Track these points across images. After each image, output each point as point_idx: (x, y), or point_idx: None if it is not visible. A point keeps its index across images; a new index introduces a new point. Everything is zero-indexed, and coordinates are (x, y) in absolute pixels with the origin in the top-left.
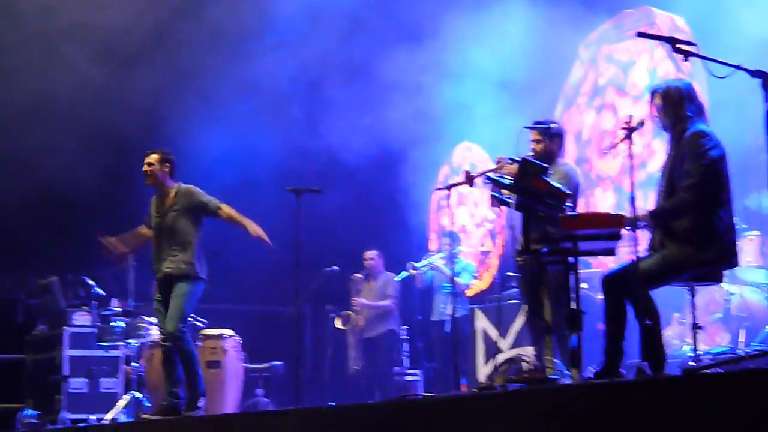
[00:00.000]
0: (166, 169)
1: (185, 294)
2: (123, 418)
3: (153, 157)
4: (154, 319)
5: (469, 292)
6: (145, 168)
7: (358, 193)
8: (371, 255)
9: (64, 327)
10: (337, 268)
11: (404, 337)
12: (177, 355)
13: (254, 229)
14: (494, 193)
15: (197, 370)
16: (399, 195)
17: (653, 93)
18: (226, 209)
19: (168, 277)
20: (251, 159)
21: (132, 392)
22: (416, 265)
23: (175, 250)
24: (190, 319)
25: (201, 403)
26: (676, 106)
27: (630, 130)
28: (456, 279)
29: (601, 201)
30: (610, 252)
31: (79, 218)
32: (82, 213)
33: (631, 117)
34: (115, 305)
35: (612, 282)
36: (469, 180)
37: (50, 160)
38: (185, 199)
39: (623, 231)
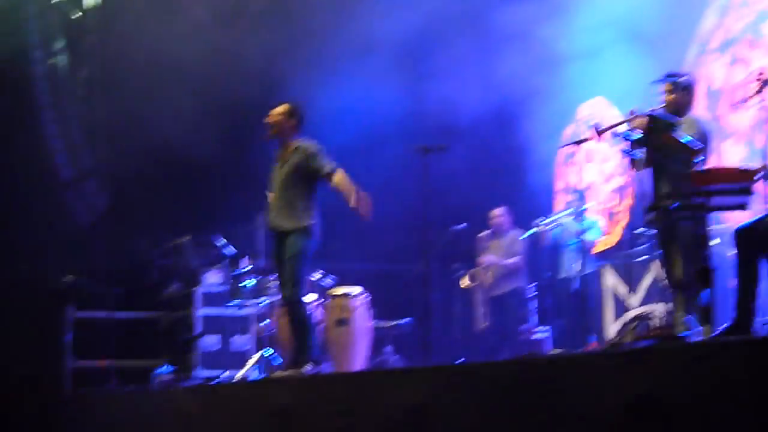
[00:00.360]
0: (293, 123)
1: (296, 254)
2: (254, 375)
3: (279, 109)
4: None
5: (597, 249)
6: (269, 119)
7: (481, 150)
8: (498, 212)
9: (197, 286)
10: (464, 225)
11: (533, 294)
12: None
13: (354, 200)
14: (624, 150)
15: (307, 339)
16: (522, 152)
17: None
18: (338, 177)
19: (278, 232)
20: (373, 116)
21: (263, 350)
22: (544, 221)
23: (285, 204)
24: (314, 277)
25: (309, 368)
26: None
27: (764, 83)
28: (583, 236)
29: (731, 154)
30: (742, 207)
31: (205, 180)
32: (207, 174)
33: (764, 69)
34: (246, 264)
35: (744, 235)
36: (598, 134)
37: (172, 122)
38: (302, 155)
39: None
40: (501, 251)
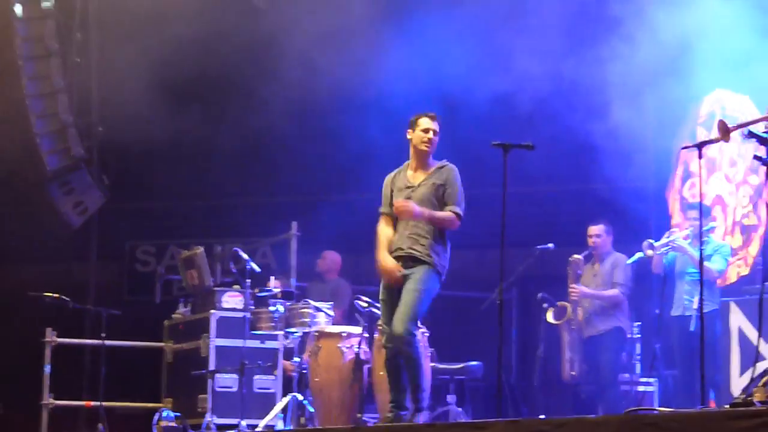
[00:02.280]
0: (437, 139)
1: (421, 289)
2: (281, 426)
3: (436, 124)
4: (322, 304)
5: (723, 281)
6: (430, 136)
7: (572, 151)
8: (597, 230)
9: (212, 310)
10: (552, 245)
11: (636, 336)
12: (402, 359)
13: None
14: (759, 156)
15: (421, 382)
16: (627, 153)
17: None
18: (453, 216)
19: (407, 260)
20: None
21: (292, 393)
22: (655, 244)
23: (419, 229)
24: (376, 309)
25: (422, 418)
26: None
27: None
28: (705, 263)
29: None
30: None
31: (227, 179)
32: (228, 172)
33: None
34: (274, 285)
35: None
36: (725, 133)
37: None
38: (447, 178)
39: None
40: (598, 279)
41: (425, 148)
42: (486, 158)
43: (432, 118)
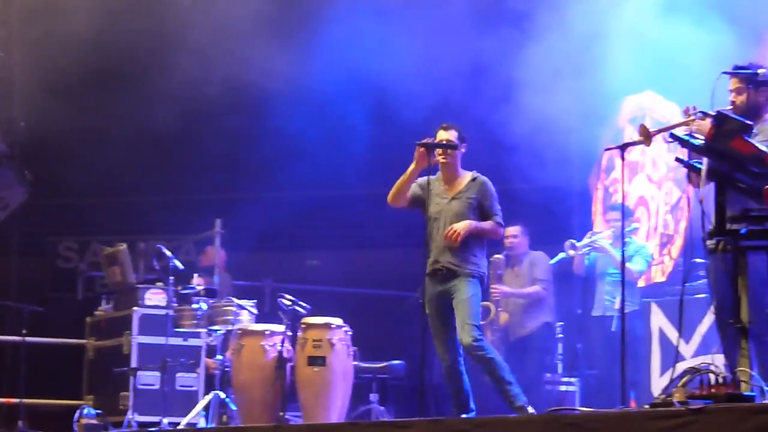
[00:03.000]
0: (463, 150)
1: (467, 297)
2: (203, 424)
3: (453, 134)
4: (245, 302)
5: (643, 282)
6: (443, 149)
7: (496, 150)
8: (513, 231)
9: (134, 308)
10: None
11: (558, 335)
12: (464, 369)
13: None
14: (680, 159)
15: (505, 375)
16: (548, 154)
17: None
18: (494, 225)
19: (446, 273)
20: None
21: (215, 391)
22: (576, 244)
23: (459, 245)
24: (301, 308)
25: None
26: None
27: None
28: (627, 264)
29: None
30: None
31: (151, 174)
32: (153, 169)
33: None
34: (197, 282)
35: None
36: (647, 137)
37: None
38: (482, 191)
39: None
40: (520, 280)
41: (442, 160)
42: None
43: (445, 129)
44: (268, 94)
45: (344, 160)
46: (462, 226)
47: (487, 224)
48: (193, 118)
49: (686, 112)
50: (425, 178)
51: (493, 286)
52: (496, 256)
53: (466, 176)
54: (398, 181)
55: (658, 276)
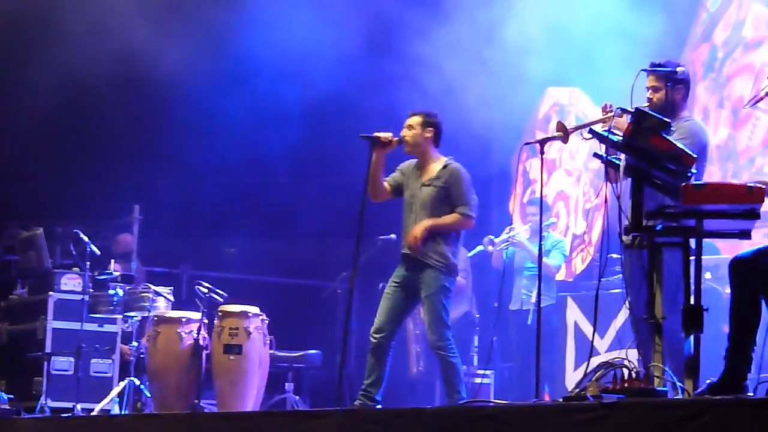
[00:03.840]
0: (428, 135)
1: (440, 291)
2: (117, 410)
3: (414, 120)
4: (162, 289)
5: (560, 276)
6: (404, 133)
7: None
8: None
9: (50, 292)
10: (394, 236)
11: (476, 327)
12: (390, 355)
13: (414, 241)
14: (598, 154)
15: (458, 385)
16: (473, 147)
17: None
18: (462, 219)
19: (415, 263)
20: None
21: (130, 378)
22: (495, 240)
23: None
24: (218, 296)
25: None
26: None
27: None
28: (544, 259)
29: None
30: (745, 234)
31: (68, 158)
32: (70, 150)
33: None
34: (114, 268)
35: (743, 268)
36: (565, 134)
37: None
38: (451, 180)
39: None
40: None
41: (406, 150)
42: (325, 148)
43: (410, 116)
44: (188, 75)
45: (266, 147)
46: (419, 230)
47: (448, 219)
48: (109, 100)
49: (604, 110)
50: (407, 162)
51: None
52: None
53: (439, 162)
54: (367, 178)
55: (579, 266)
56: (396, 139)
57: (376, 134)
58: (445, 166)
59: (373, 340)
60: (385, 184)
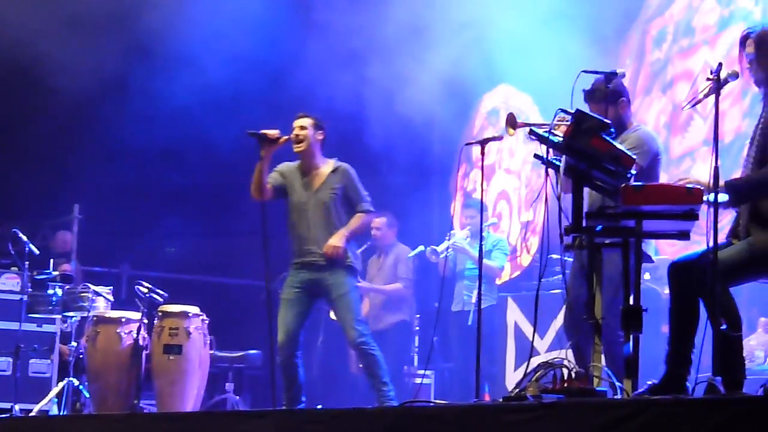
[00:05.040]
0: (320, 137)
1: (351, 290)
2: (55, 411)
3: (306, 121)
4: (101, 288)
5: (501, 277)
6: (297, 132)
7: (359, 143)
8: (379, 223)
9: None
10: None
11: (415, 328)
12: (300, 362)
13: (332, 247)
14: (539, 155)
15: (383, 376)
16: (417, 148)
17: (744, 38)
18: (365, 217)
19: (319, 264)
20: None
21: (68, 378)
22: (437, 249)
23: (328, 234)
24: (158, 296)
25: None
26: None
27: (717, 84)
28: (486, 261)
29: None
30: (683, 235)
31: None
32: (7, 149)
33: (720, 66)
34: (53, 268)
35: (682, 272)
36: (513, 126)
37: None
38: (345, 180)
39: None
40: (383, 273)
41: (296, 149)
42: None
43: (298, 118)
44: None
45: (204, 146)
46: (337, 241)
47: (356, 222)
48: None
49: (558, 115)
50: (286, 164)
51: None
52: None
53: (327, 165)
54: (254, 174)
55: (517, 270)
56: (285, 137)
57: (263, 131)
58: (335, 169)
59: (283, 357)
60: (268, 184)
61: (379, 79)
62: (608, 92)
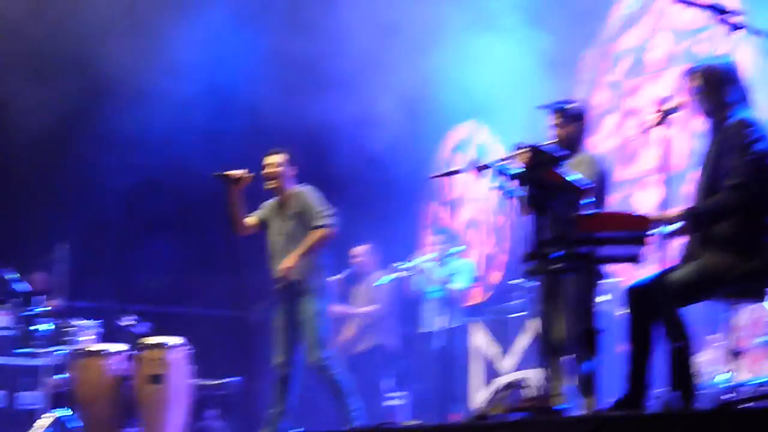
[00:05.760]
0: (293, 172)
1: (316, 314)
2: None
3: (277, 158)
4: (87, 322)
5: (466, 301)
6: (269, 171)
7: (339, 173)
8: (360, 251)
9: None
10: None
11: (394, 351)
12: (296, 382)
13: (286, 267)
14: (502, 186)
15: (348, 401)
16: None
17: (691, 73)
18: (319, 233)
19: (290, 290)
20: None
21: (56, 410)
22: (399, 267)
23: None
24: (141, 328)
25: None
26: (718, 90)
27: (666, 114)
28: (450, 284)
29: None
30: (634, 259)
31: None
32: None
33: (668, 97)
34: (41, 304)
35: (637, 295)
36: (478, 170)
37: None
38: (300, 203)
39: (652, 234)
40: (364, 298)
41: (270, 185)
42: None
43: (268, 154)
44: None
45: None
46: (287, 261)
47: (308, 240)
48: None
49: (517, 148)
50: (271, 200)
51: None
52: (340, 274)
53: (292, 193)
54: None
55: (482, 295)
56: (249, 175)
57: (226, 173)
58: (294, 194)
59: (278, 372)
60: (252, 219)
61: (346, 107)
62: (566, 112)
